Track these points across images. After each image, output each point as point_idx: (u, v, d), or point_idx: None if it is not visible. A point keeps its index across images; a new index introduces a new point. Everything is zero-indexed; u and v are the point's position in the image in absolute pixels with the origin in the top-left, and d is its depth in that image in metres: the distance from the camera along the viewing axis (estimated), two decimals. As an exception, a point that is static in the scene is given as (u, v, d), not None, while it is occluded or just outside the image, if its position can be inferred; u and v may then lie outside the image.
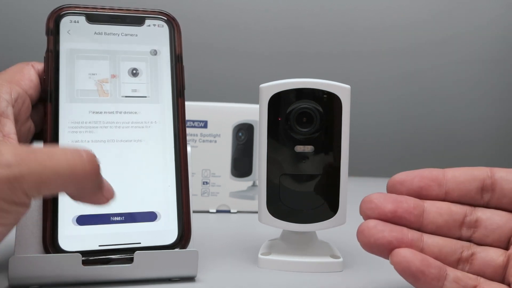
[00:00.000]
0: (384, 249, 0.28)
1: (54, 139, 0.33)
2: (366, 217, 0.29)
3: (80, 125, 0.34)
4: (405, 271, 0.27)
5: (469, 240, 0.30)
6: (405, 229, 0.29)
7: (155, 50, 0.36)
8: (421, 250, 0.28)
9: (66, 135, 0.34)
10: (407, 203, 0.29)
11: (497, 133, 0.94)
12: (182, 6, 0.86)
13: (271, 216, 0.37)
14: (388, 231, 0.28)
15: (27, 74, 0.34)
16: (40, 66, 0.35)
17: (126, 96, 0.35)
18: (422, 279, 0.27)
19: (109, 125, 0.35)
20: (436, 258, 0.28)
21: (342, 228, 0.38)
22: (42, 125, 0.34)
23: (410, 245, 0.28)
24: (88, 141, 0.34)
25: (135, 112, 0.35)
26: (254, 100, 0.45)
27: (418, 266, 0.27)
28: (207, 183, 0.56)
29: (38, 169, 0.24)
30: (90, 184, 0.26)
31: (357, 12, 0.91)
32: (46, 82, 0.34)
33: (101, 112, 0.35)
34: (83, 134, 0.34)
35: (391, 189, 0.31)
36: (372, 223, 0.28)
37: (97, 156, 0.26)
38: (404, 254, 0.27)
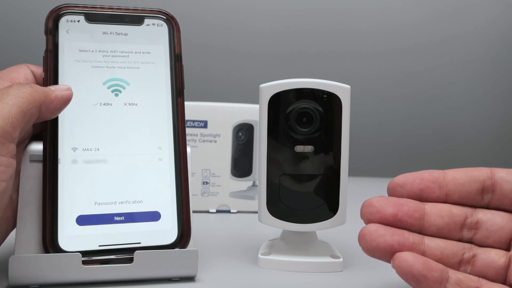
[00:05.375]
0: (386, 253, 0.28)
1: (54, 139, 0.33)
2: (367, 221, 0.29)
3: (80, 125, 0.34)
4: (407, 275, 0.27)
5: (470, 241, 0.30)
6: (406, 233, 0.29)
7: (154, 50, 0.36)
8: (423, 253, 0.28)
9: (66, 136, 0.34)
10: (408, 206, 0.29)
11: (497, 133, 0.94)
12: (182, 6, 0.86)
13: (271, 216, 0.37)
14: (389, 235, 0.28)
15: (23, 73, 0.34)
16: (35, 68, 0.35)
17: (125, 95, 0.35)
18: (424, 282, 0.27)
19: (109, 122, 0.35)
20: (438, 260, 0.28)
21: (342, 228, 0.38)
22: (41, 125, 0.34)
23: (411, 248, 0.28)
24: (89, 143, 0.34)
25: (136, 104, 0.35)
26: (254, 100, 0.45)
27: (420, 269, 0.27)
28: (207, 183, 0.56)
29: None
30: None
31: (357, 12, 0.91)
32: (45, 81, 0.34)
33: (101, 111, 0.35)
34: (83, 134, 0.34)
35: (391, 192, 0.31)
36: (373, 227, 0.28)
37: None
38: (406, 258, 0.27)
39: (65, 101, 0.32)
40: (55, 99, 0.31)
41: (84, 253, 0.32)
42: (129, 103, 0.35)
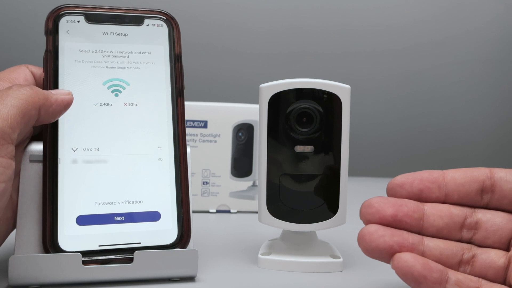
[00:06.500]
0: (385, 254, 0.28)
1: (54, 140, 0.33)
2: (366, 221, 0.29)
3: (80, 125, 0.34)
4: (407, 276, 0.27)
5: (469, 242, 0.30)
6: (405, 233, 0.29)
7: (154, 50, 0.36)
8: (422, 254, 0.28)
9: (66, 136, 0.34)
10: (407, 207, 0.29)
11: (497, 133, 0.94)
12: (182, 6, 0.86)
13: (271, 216, 0.37)
14: (389, 236, 0.28)
15: (23, 74, 0.34)
16: (34, 68, 0.35)
17: (125, 95, 0.35)
18: (423, 283, 0.27)
19: (109, 122, 0.35)
20: (437, 261, 0.28)
21: (342, 228, 0.38)
22: (41, 126, 0.34)
23: (411, 249, 0.28)
24: (89, 143, 0.34)
25: (136, 104, 0.35)
26: (254, 100, 0.45)
27: (419, 270, 0.27)
28: (207, 183, 0.56)
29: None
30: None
31: (357, 12, 0.91)
32: (45, 82, 0.34)
33: (101, 111, 0.35)
34: (83, 134, 0.34)
35: (391, 192, 0.30)
36: (373, 228, 0.28)
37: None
38: (406, 258, 0.27)
39: (65, 105, 0.32)
40: (55, 102, 0.31)
41: (84, 253, 0.32)
42: (129, 103, 0.36)
